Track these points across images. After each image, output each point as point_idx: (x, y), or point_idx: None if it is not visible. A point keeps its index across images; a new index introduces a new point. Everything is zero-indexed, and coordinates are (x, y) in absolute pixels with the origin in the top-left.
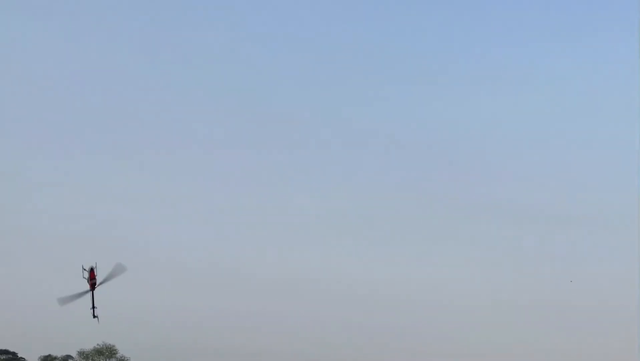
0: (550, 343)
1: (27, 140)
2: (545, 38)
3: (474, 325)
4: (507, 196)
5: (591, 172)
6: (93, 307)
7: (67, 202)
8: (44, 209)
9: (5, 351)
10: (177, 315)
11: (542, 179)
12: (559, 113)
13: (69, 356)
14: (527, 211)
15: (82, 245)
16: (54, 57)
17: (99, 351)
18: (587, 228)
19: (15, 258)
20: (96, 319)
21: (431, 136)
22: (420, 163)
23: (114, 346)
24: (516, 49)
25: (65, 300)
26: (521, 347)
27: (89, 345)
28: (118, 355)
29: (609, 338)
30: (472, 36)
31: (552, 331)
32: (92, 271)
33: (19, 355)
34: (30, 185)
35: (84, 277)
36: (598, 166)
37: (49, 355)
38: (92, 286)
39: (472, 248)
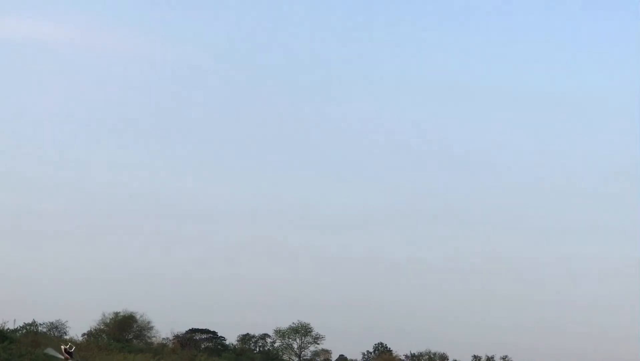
0: None
1: None
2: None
3: None
4: None
5: None
6: None
7: None
8: None
9: (206, 331)
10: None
11: None
12: None
13: (265, 335)
14: None
15: None
16: None
17: (294, 330)
18: None
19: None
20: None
21: None
22: None
23: (309, 324)
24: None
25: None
26: None
27: (284, 324)
28: (313, 333)
29: None
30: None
31: None
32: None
33: (219, 334)
34: None
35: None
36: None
37: (247, 334)
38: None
39: None
